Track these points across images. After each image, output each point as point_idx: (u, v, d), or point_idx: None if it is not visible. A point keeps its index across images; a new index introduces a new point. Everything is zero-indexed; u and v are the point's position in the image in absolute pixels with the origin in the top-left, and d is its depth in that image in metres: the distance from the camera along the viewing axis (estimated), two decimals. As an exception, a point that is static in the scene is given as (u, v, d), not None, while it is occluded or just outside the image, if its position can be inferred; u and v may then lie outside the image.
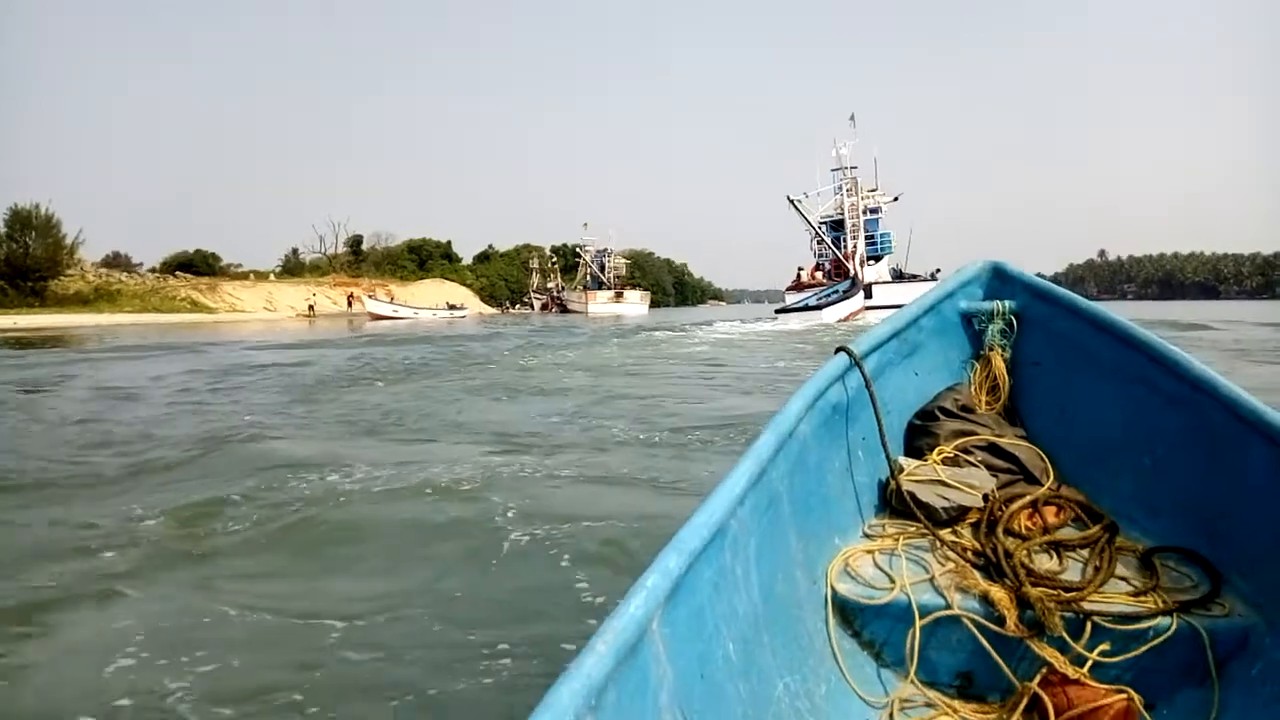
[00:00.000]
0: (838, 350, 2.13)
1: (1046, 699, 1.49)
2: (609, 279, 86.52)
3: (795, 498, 1.77)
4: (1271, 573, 1.61)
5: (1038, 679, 1.53)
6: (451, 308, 62.53)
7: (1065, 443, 2.26)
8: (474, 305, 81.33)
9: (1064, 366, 2.34)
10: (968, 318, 2.50)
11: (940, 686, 1.66)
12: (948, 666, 1.67)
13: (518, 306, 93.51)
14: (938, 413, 2.28)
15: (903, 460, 2.17)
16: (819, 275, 44.83)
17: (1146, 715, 1.50)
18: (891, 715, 1.58)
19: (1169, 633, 1.57)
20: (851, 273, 41.66)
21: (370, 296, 55.75)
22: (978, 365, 2.48)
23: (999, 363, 2.43)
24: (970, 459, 2.16)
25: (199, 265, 70.67)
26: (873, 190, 46.39)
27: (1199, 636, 1.56)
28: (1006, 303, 2.45)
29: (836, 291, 40.23)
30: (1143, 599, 1.65)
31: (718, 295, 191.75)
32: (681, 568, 1.23)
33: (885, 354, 2.30)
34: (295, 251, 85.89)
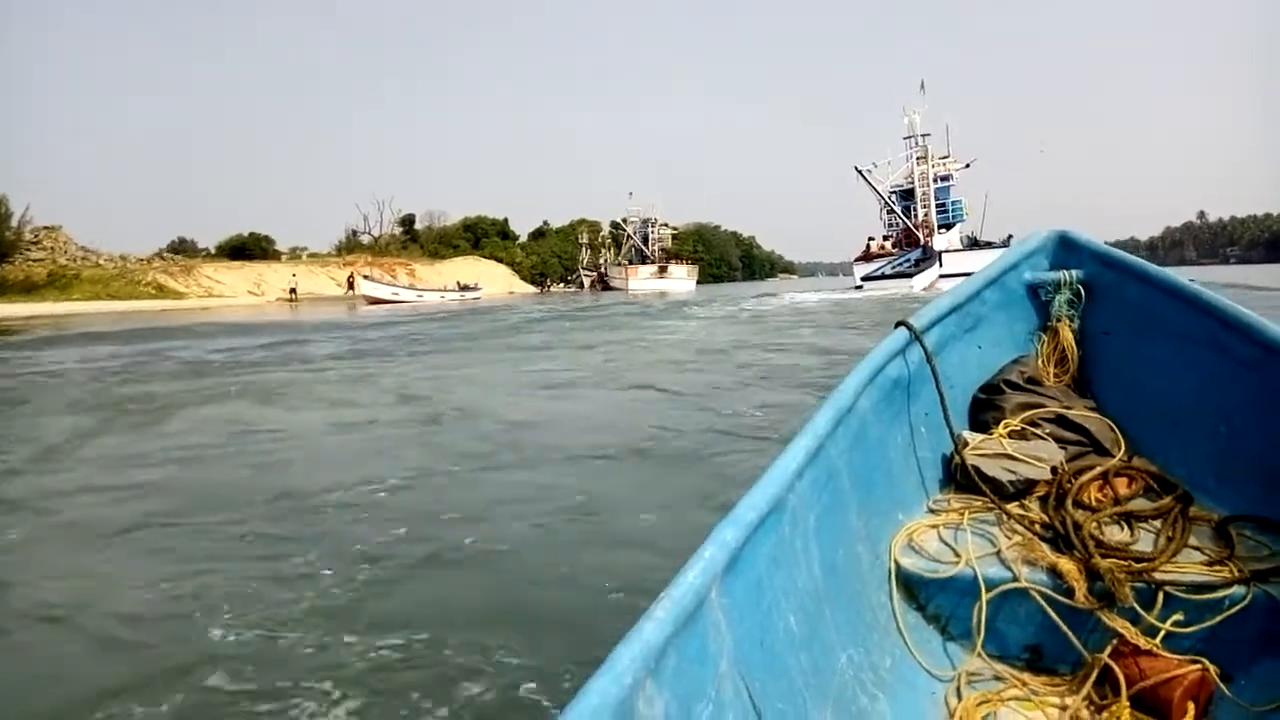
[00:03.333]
0: (898, 325, 2.12)
1: (1118, 670, 1.48)
2: (653, 252, 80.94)
3: (855, 473, 1.78)
4: None
5: (1108, 650, 1.52)
6: (464, 288, 56.37)
7: (1136, 413, 2.22)
8: (504, 285, 77.50)
9: (1134, 335, 2.28)
10: (1033, 289, 2.46)
11: (1008, 659, 1.66)
12: (1016, 639, 1.67)
13: (562, 285, 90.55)
14: (1003, 386, 2.26)
15: (967, 435, 2.16)
16: (888, 245, 44.07)
17: (1223, 686, 1.48)
18: (959, 688, 1.59)
19: (1244, 602, 1.54)
20: (922, 241, 40.86)
21: (366, 278, 48.67)
22: (1044, 337, 2.44)
23: (1067, 334, 2.39)
24: (1037, 432, 2.14)
25: (252, 249, 70.41)
26: (944, 158, 45.38)
27: (1277, 606, 1.53)
28: (1074, 272, 2.39)
29: (908, 260, 39.61)
30: (1217, 569, 1.62)
31: (789, 268, 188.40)
32: (739, 540, 1.26)
33: (946, 328, 2.28)
34: (354, 233, 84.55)
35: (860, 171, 45.13)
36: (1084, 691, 1.51)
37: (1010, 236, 39.05)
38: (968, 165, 45.08)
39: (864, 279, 40.51)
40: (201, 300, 53.11)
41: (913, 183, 44.95)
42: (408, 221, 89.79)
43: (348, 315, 31.83)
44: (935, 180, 44.20)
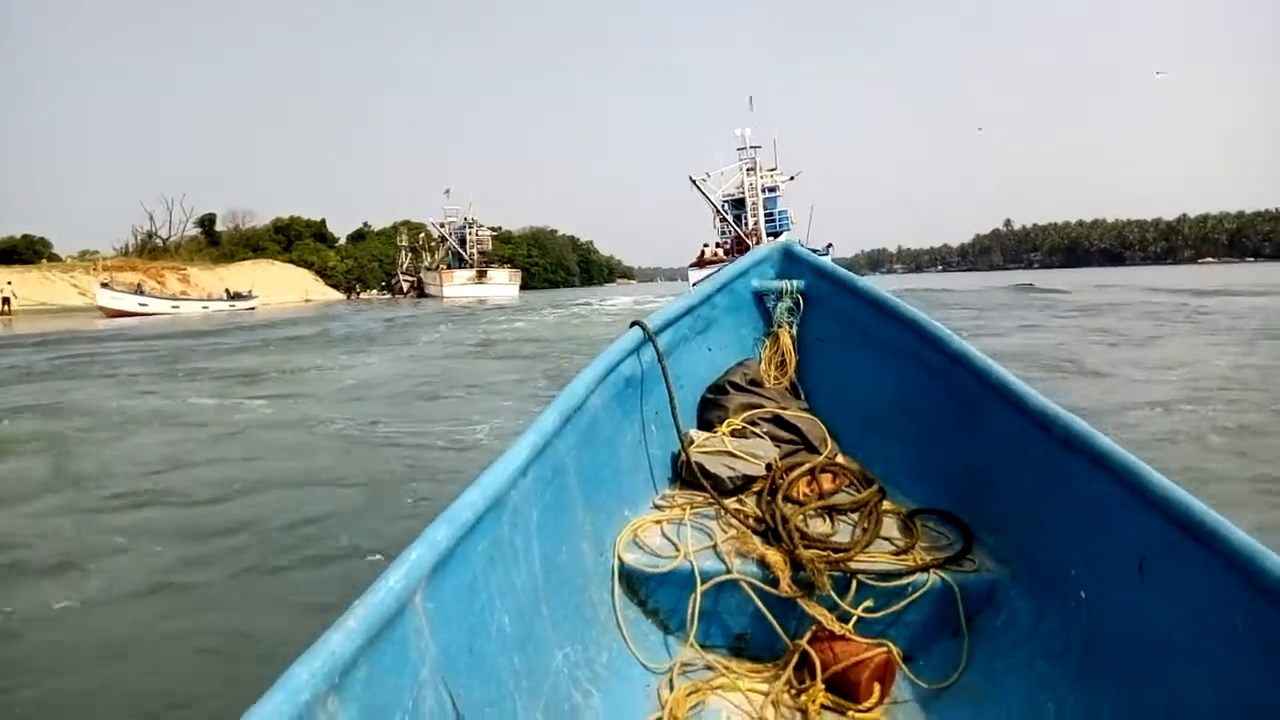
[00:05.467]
0: (633, 324, 2.15)
1: (814, 655, 1.56)
2: (472, 256, 74.47)
3: (583, 470, 1.77)
4: (1014, 529, 1.75)
5: (808, 636, 1.61)
6: (235, 296, 49.02)
7: (843, 414, 2.39)
8: (298, 292, 68.36)
9: (844, 342, 2.47)
10: (759, 296, 2.60)
11: (719, 649, 1.72)
12: (727, 629, 1.72)
13: (377, 291, 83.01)
14: (728, 387, 2.35)
15: (694, 433, 2.22)
16: (720, 252, 45.65)
17: (904, 666, 1.61)
18: (672, 679, 1.61)
19: (925, 588, 1.68)
20: (752, 249, 42.65)
21: (105, 286, 39.35)
22: (768, 341, 2.59)
23: (787, 339, 2.55)
24: (756, 430, 2.24)
25: (24, 252, 58.10)
26: (772, 169, 47.59)
27: (952, 591, 1.68)
28: (795, 282, 2.56)
29: (738, 267, 41.13)
30: (903, 558, 1.76)
31: (628, 273, 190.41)
32: (451, 540, 1.20)
33: (680, 330, 2.35)
34: (150, 235, 72.49)
35: (694, 181, 46.71)
36: (785, 676, 1.57)
37: (830, 245, 41.67)
38: (792, 178, 47.57)
39: (695, 284, 41.77)
40: None
41: (744, 193, 46.87)
42: (207, 222, 79.50)
43: (53, 329, 25.69)
44: (764, 191, 46.30)
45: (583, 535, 1.73)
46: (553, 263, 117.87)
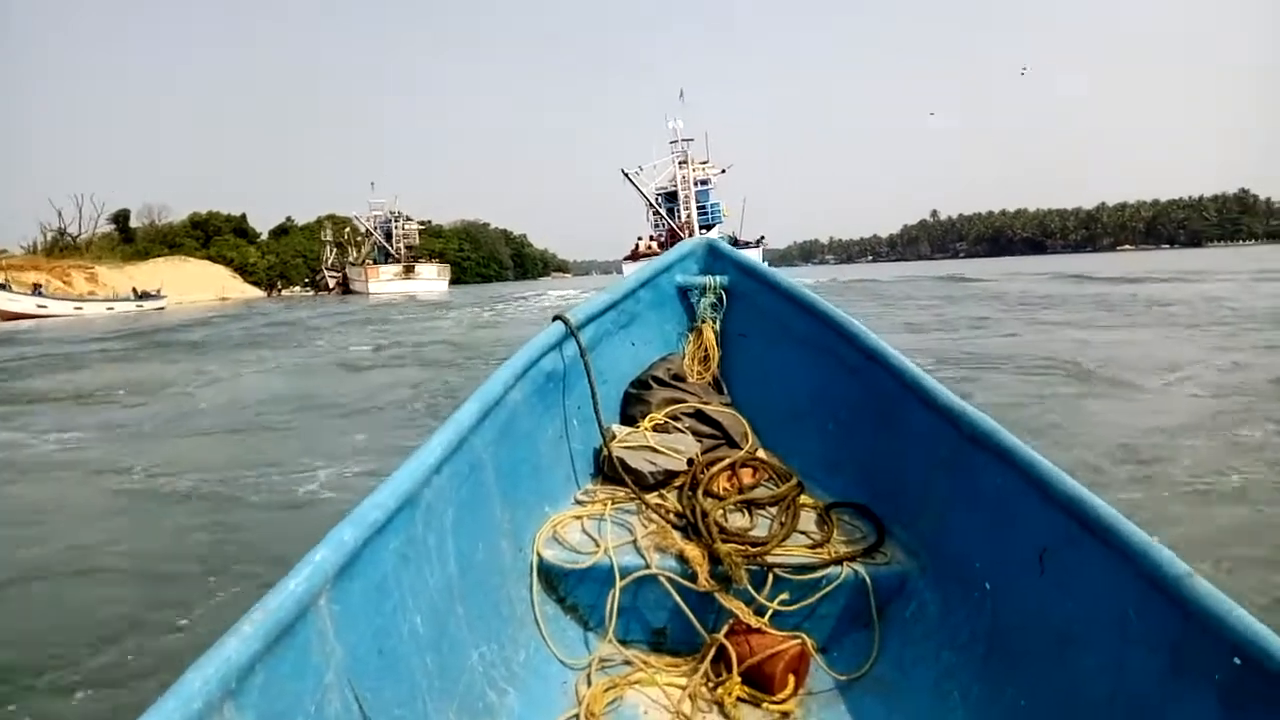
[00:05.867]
0: (555, 319, 2.13)
1: (730, 648, 1.57)
2: (398, 250, 72.59)
3: (501, 466, 1.75)
4: (924, 523, 1.80)
5: (725, 630, 1.62)
6: (143, 296, 46.76)
7: (764, 409, 2.42)
8: (214, 290, 65.21)
9: (766, 338, 2.50)
10: (683, 291, 2.61)
11: (638, 644, 1.72)
12: (645, 624, 1.73)
13: (299, 289, 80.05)
14: (651, 382, 2.36)
15: (616, 428, 2.22)
16: (654, 245, 45.84)
17: (818, 658, 1.64)
18: (590, 675, 1.61)
19: (839, 581, 1.71)
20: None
21: (0, 287, 36.32)
22: (691, 337, 2.60)
23: (710, 334, 2.56)
24: (679, 425, 2.25)
25: None
26: (704, 163, 47.96)
27: (864, 584, 1.71)
28: (718, 278, 2.57)
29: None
30: (819, 551, 1.79)
31: (562, 267, 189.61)
32: (358, 541, 1.17)
33: (603, 324, 2.34)
34: (62, 232, 67.82)
35: (626, 174, 46.75)
36: (701, 670, 1.59)
37: (762, 237, 42.24)
38: (723, 171, 48.03)
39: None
40: None
41: (676, 186, 47.15)
42: (121, 218, 75.06)
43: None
44: (696, 184, 46.62)
45: (501, 532, 1.71)
46: (485, 257, 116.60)
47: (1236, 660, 1.01)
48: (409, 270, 68.12)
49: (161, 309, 43.52)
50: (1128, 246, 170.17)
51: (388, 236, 74.23)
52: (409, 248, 74.17)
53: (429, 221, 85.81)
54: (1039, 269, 44.67)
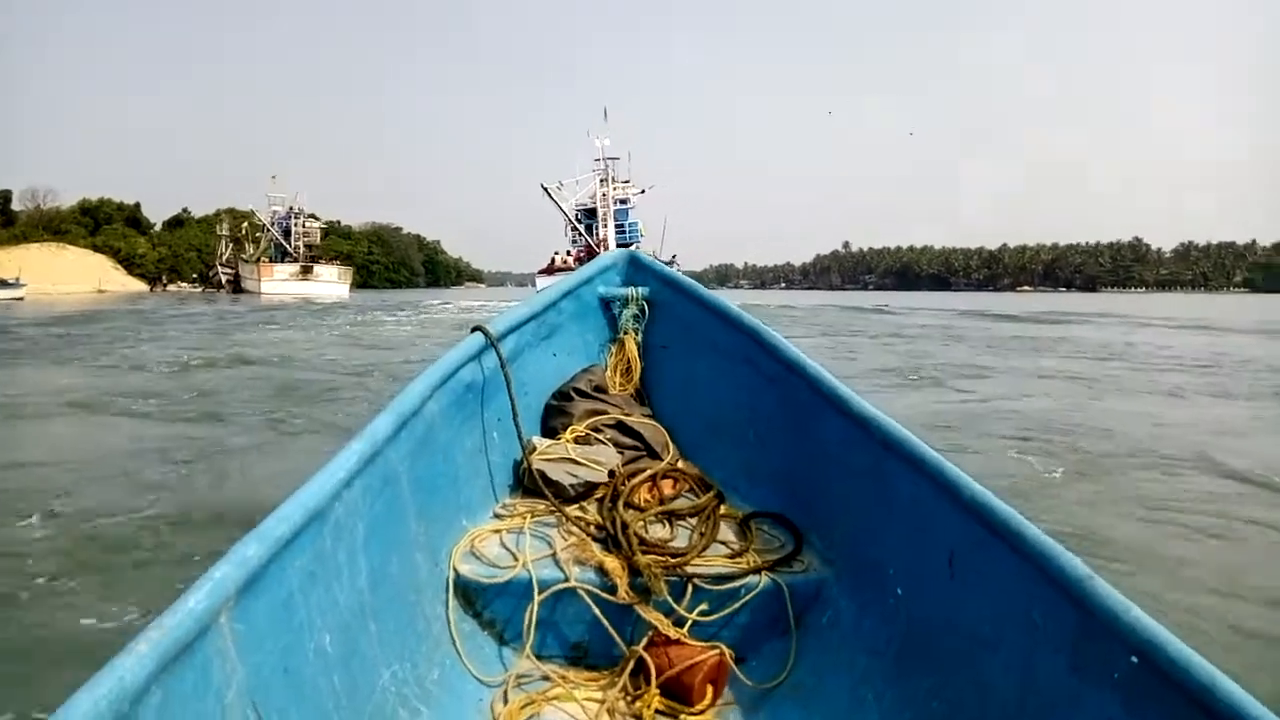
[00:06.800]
0: (474, 330, 2.09)
1: (650, 660, 1.56)
2: (297, 249, 68.23)
3: (418, 479, 1.70)
4: (840, 531, 1.83)
5: (644, 642, 1.61)
6: None
7: (686, 420, 2.44)
8: (90, 282, 61.76)
9: (687, 350, 2.52)
10: (606, 302, 2.61)
11: (556, 658, 1.69)
12: (564, 638, 1.70)
13: (188, 284, 75.41)
14: (573, 393, 2.34)
15: (536, 440, 2.19)
16: (570, 260, 46.01)
17: (736, 668, 1.63)
18: (506, 692, 1.57)
19: (757, 590, 1.72)
20: (599, 257, 43.66)
21: None
22: (613, 348, 2.60)
23: (632, 345, 2.57)
24: (600, 437, 2.24)
25: None
26: (625, 182, 48.39)
27: (781, 592, 1.73)
28: (640, 289, 2.59)
29: (586, 275, 41.88)
30: (738, 560, 1.79)
31: (476, 276, 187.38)
32: (263, 558, 1.12)
33: (524, 335, 2.32)
34: None
35: (546, 189, 46.72)
36: (620, 684, 1.57)
37: (675, 256, 42.79)
38: (643, 191, 48.61)
39: (541, 291, 42.04)
40: None
41: (596, 203, 47.42)
42: (3, 199, 70.02)
43: None
44: (616, 202, 46.98)
45: (416, 547, 1.66)
46: (396, 261, 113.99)
47: (1134, 659, 1.05)
48: (306, 271, 64.45)
49: (20, 299, 39.92)
50: (1026, 287, 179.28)
51: (286, 234, 70.37)
52: (309, 247, 70.42)
53: (337, 221, 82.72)
54: (958, 305, 46.05)
